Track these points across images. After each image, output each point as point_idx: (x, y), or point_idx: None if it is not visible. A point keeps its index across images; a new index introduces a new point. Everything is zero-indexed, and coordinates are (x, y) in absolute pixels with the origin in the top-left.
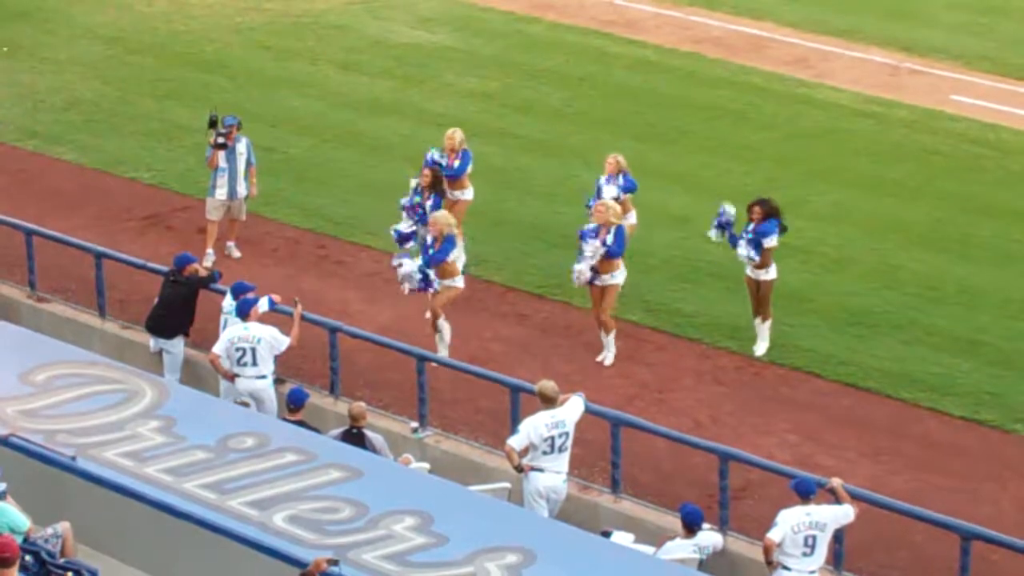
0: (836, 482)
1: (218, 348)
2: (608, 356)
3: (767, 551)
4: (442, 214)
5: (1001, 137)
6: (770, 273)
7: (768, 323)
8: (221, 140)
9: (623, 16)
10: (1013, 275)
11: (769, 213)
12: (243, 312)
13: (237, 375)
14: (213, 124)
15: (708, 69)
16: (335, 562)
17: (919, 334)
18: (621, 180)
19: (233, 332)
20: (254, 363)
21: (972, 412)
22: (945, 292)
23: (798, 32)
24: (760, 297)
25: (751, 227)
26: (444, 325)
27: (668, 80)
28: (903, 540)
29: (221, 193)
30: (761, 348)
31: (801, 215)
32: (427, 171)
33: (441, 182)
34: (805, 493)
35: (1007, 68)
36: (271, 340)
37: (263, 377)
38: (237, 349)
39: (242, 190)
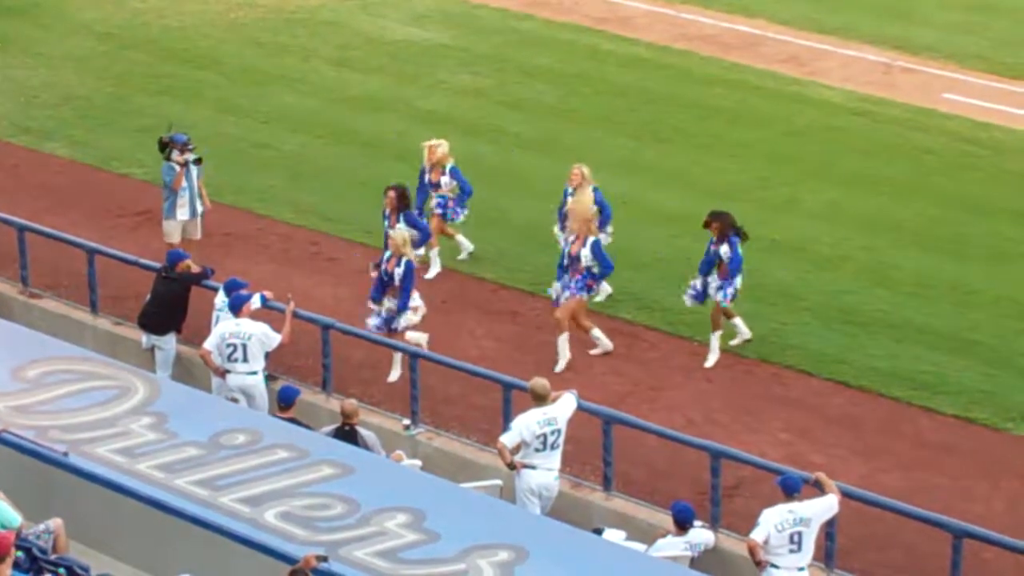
0: (820, 475)
1: (209, 343)
2: (562, 363)
3: (752, 552)
4: (396, 232)
5: (994, 136)
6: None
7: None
8: (195, 156)
9: (616, 13)
10: (1006, 274)
11: (724, 229)
12: (235, 308)
13: (228, 371)
14: (165, 146)
15: (701, 67)
16: (325, 558)
17: (911, 332)
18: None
19: (224, 328)
20: (245, 359)
21: (964, 411)
22: (938, 291)
23: (791, 30)
24: (715, 310)
25: (712, 247)
26: (418, 337)
27: (661, 78)
28: (895, 538)
29: (183, 213)
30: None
31: (794, 213)
32: (391, 192)
33: (406, 200)
34: (791, 490)
35: (1000, 67)
36: (262, 337)
37: (254, 373)
38: (228, 345)
39: (199, 207)
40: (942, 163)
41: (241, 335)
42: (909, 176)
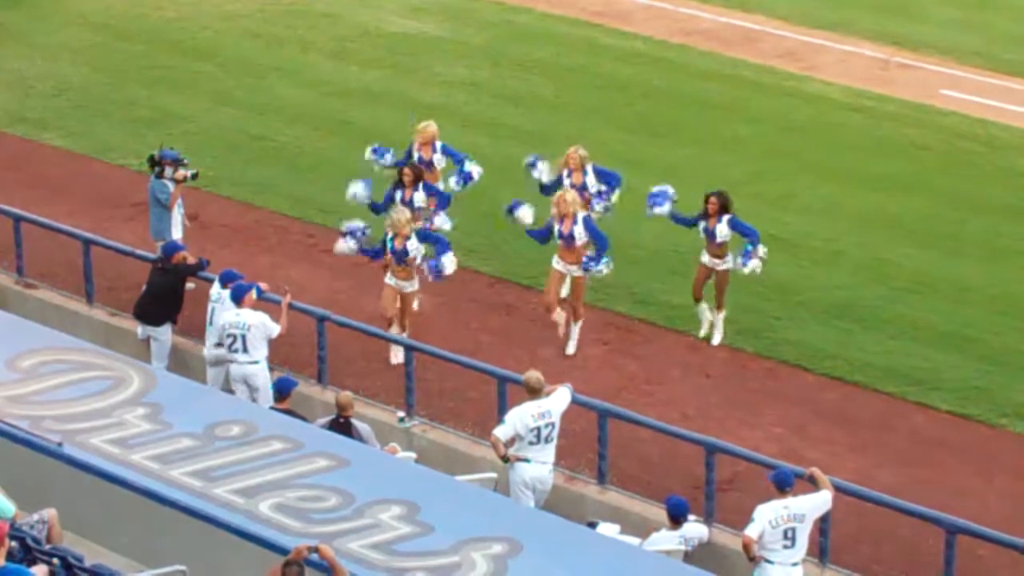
0: (814, 470)
1: (210, 336)
2: (572, 345)
3: (746, 548)
4: (400, 214)
5: (991, 132)
6: (727, 262)
7: (723, 314)
8: (192, 171)
9: (613, 7)
10: (1001, 270)
11: (725, 206)
12: (237, 298)
13: (231, 360)
14: (156, 164)
15: (698, 61)
16: (315, 550)
17: (907, 328)
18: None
19: (225, 318)
20: (244, 349)
21: (959, 407)
22: (933, 287)
23: (789, 25)
24: (719, 287)
25: (713, 221)
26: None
27: (658, 72)
28: (889, 534)
29: (177, 232)
30: (717, 338)
31: (790, 208)
32: (407, 169)
33: (421, 172)
34: (783, 485)
35: (997, 63)
36: (261, 327)
37: (255, 363)
38: (228, 335)
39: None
40: (939, 159)
41: (240, 325)
42: (906, 172)
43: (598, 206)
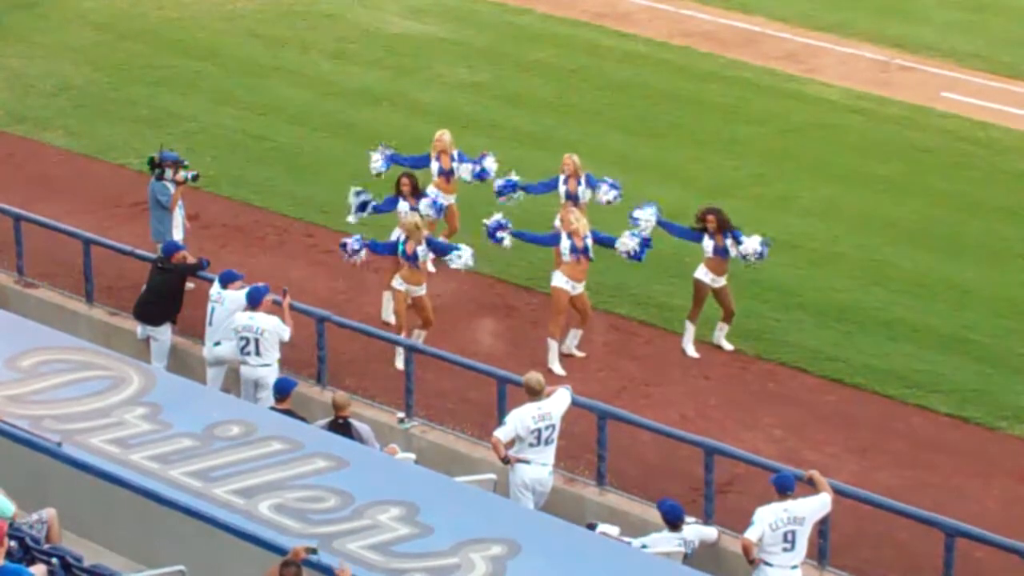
0: (814, 473)
1: (212, 335)
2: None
3: (746, 551)
4: (410, 217)
5: (991, 135)
6: (725, 278)
7: (729, 326)
8: (193, 172)
9: (614, 9)
10: (1001, 272)
11: (724, 224)
12: (255, 301)
13: (243, 362)
14: (156, 165)
15: (699, 63)
16: (314, 550)
17: (906, 331)
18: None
19: (239, 320)
20: (257, 352)
21: (958, 409)
22: (933, 289)
23: (789, 27)
24: (724, 301)
25: (721, 239)
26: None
27: (659, 73)
28: (888, 537)
29: (178, 234)
30: (727, 344)
31: (790, 210)
32: (405, 179)
33: (419, 185)
34: (784, 489)
35: (998, 66)
36: (274, 331)
37: (267, 365)
38: (241, 338)
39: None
40: (939, 162)
41: (254, 329)
42: (905, 174)
43: (609, 194)
